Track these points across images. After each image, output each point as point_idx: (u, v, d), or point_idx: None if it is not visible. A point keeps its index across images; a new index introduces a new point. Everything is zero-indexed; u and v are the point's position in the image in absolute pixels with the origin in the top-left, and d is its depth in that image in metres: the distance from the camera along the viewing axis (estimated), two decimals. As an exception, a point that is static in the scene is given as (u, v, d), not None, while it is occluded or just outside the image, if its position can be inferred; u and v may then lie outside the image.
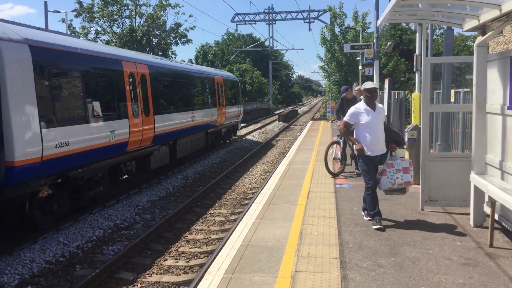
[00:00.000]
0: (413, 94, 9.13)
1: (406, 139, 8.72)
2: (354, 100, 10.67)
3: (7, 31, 7.48)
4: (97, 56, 10.32)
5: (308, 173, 10.72)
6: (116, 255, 7.49)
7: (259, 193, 8.71)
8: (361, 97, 10.06)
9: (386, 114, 5.86)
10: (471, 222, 6.21)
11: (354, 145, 6.42)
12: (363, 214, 6.79)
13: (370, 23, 33.05)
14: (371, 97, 6.24)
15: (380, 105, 6.42)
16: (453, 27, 7.31)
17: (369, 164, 6.36)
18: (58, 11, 21.74)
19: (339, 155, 10.16)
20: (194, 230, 9.41)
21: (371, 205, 6.34)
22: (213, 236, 8.96)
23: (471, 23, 5.88)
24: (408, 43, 58.35)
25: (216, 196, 12.42)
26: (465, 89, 7.49)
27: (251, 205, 7.71)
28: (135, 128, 11.49)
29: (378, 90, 6.09)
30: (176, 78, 15.47)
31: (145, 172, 13.42)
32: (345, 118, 6.52)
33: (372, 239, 5.81)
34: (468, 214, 6.36)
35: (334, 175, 10.07)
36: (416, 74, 9.49)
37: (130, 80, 11.53)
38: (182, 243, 8.63)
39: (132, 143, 11.42)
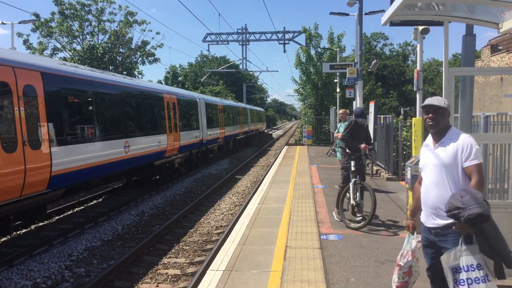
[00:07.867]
0: (413, 119, 7.36)
1: (408, 176, 6.91)
2: (366, 128, 8.38)
3: (199, 96, 23.01)
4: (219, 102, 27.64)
5: (284, 216, 8.55)
6: None
7: (220, 249, 6.56)
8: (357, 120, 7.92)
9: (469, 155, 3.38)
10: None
11: None
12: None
13: (344, 47, 31.87)
14: (430, 122, 3.54)
15: (456, 135, 3.52)
16: (475, 30, 5.61)
17: (423, 240, 3.68)
18: (3, 23, 19.38)
19: (357, 197, 7.60)
20: (137, 291, 7.33)
21: None
22: (161, 301, 6.91)
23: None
24: (382, 68, 58.00)
25: (174, 238, 10.40)
26: (488, 113, 5.80)
27: (204, 274, 5.38)
28: (219, 132, 24.81)
29: (442, 108, 3.47)
30: (233, 109, 31.26)
31: (227, 150, 28.72)
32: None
33: None
34: None
35: (358, 228, 7.42)
36: (417, 94, 7.81)
37: (218, 110, 25.40)
38: (119, 313, 6.55)
39: (219, 139, 24.81)
